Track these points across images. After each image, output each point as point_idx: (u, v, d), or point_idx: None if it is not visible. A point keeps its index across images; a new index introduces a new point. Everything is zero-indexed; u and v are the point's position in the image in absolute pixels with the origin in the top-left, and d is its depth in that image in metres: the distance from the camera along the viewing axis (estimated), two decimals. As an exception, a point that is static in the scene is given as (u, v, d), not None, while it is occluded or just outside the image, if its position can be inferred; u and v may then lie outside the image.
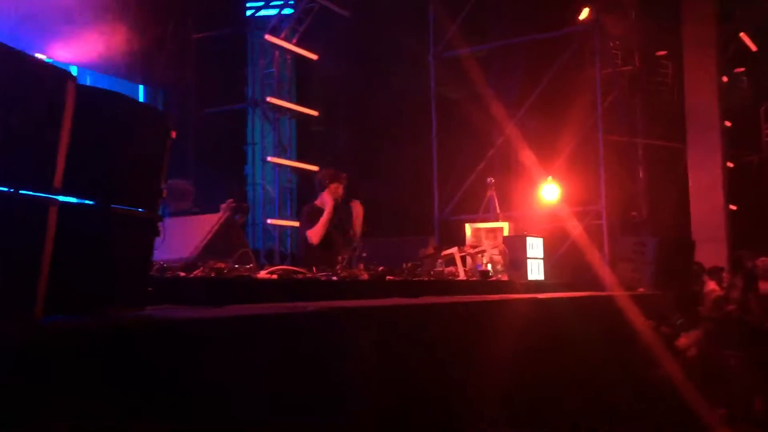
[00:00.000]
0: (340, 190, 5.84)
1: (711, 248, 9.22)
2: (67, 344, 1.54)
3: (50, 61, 8.15)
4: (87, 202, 1.86)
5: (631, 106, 11.10)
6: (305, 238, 5.66)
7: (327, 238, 5.56)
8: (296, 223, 10.94)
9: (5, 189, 1.55)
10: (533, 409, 3.63)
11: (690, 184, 10.36)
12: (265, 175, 10.80)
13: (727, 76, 10.94)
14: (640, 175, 10.90)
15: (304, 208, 5.91)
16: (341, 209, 5.85)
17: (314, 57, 11.20)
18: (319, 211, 5.75)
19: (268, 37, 10.59)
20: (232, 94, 11.04)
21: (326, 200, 5.75)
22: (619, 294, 5.40)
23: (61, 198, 1.71)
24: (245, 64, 11.18)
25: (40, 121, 1.62)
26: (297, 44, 11.04)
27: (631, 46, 11.08)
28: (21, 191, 1.60)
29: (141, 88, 10.17)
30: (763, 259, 6.40)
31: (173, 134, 2.08)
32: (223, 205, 5.50)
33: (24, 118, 1.57)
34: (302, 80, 11.84)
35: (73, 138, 1.71)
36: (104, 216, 1.88)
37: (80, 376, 1.51)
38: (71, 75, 1.66)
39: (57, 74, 1.64)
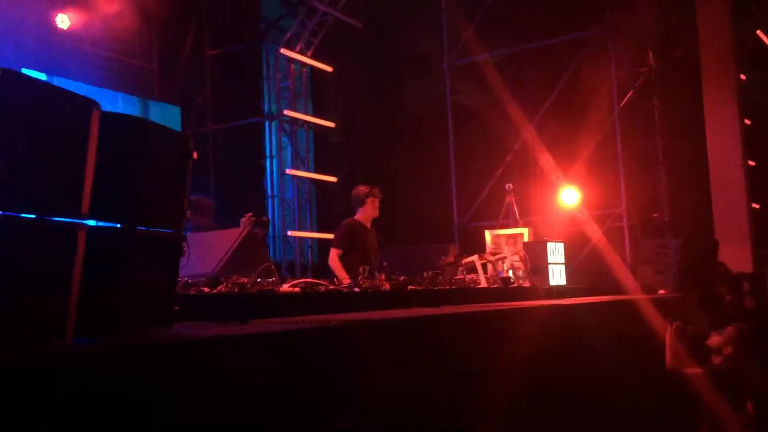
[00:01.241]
0: (377, 204, 6.04)
1: (734, 248, 9.11)
2: (98, 365, 1.57)
3: (69, 81, 8.31)
4: (113, 225, 1.90)
5: (649, 107, 11.03)
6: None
7: (353, 261, 5.68)
8: (316, 234, 11.01)
9: (35, 216, 1.60)
10: (556, 415, 3.63)
11: (711, 183, 10.25)
12: (284, 188, 10.87)
13: (745, 74, 10.83)
14: (661, 176, 10.82)
15: (346, 221, 6.02)
16: (369, 233, 6.02)
17: (329, 69, 11.27)
18: (362, 227, 5.91)
19: (283, 50, 10.69)
20: (249, 108, 11.14)
21: (367, 216, 5.93)
22: (642, 297, 5.38)
23: (88, 222, 1.75)
24: (261, 78, 11.28)
25: (67, 149, 1.67)
26: (312, 57, 11.12)
27: (647, 47, 11.02)
28: (50, 217, 1.65)
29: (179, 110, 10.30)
30: None
31: (195, 155, 2.13)
32: (244, 219, 5.58)
33: (52, 147, 1.62)
34: (318, 92, 11.92)
35: (98, 163, 1.76)
36: (130, 238, 1.92)
37: (111, 397, 1.55)
38: (96, 103, 1.70)
39: (83, 103, 1.69)
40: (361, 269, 4.73)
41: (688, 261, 6.44)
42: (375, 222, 6.17)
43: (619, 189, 9.58)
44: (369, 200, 6.03)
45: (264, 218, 6.40)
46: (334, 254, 5.84)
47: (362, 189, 6.12)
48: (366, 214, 6.06)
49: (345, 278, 5.03)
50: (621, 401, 4.18)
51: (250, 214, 5.77)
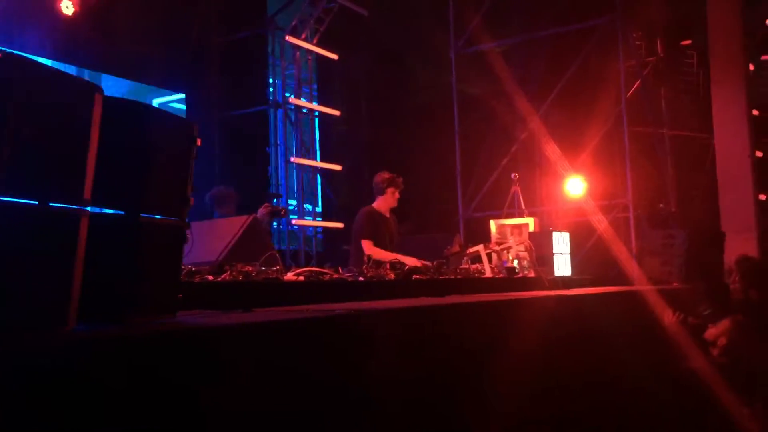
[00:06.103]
0: (397, 195, 5.95)
1: (741, 239, 9.07)
2: (101, 353, 1.56)
3: (73, 67, 8.28)
4: (116, 212, 1.88)
5: (657, 98, 10.95)
6: (358, 243, 5.72)
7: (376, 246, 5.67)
8: (321, 223, 11.00)
9: (36, 202, 1.58)
10: (560, 406, 3.61)
11: (718, 174, 10.19)
12: (289, 176, 10.85)
13: (754, 64, 10.74)
14: (668, 166, 10.75)
15: (364, 210, 5.95)
16: (389, 220, 5.97)
17: (335, 57, 11.22)
18: (379, 215, 5.85)
19: (288, 38, 10.63)
20: (254, 96, 11.09)
21: (385, 206, 5.85)
22: (648, 288, 5.35)
23: (90, 209, 1.73)
24: (266, 65, 11.21)
25: (68, 134, 1.65)
26: (317, 44, 11.06)
27: (655, 37, 10.92)
28: (51, 204, 1.63)
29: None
30: None
31: (198, 142, 2.10)
32: (261, 209, 5.56)
33: (53, 132, 1.60)
34: (324, 80, 11.87)
35: (101, 150, 1.74)
36: (133, 225, 1.90)
37: (114, 385, 1.53)
38: (98, 87, 1.68)
39: (84, 87, 1.67)
40: (365, 258, 4.72)
41: (695, 252, 6.42)
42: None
43: (626, 179, 9.52)
44: (389, 190, 5.94)
45: (281, 208, 6.39)
46: (368, 245, 5.69)
47: (383, 177, 6.01)
48: (383, 203, 5.98)
49: (395, 257, 5.00)
50: (627, 392, 4.16)
51: (267, 204, 5.76)
